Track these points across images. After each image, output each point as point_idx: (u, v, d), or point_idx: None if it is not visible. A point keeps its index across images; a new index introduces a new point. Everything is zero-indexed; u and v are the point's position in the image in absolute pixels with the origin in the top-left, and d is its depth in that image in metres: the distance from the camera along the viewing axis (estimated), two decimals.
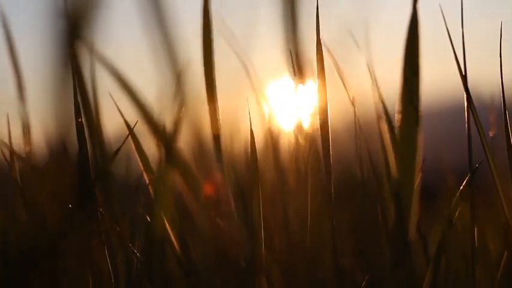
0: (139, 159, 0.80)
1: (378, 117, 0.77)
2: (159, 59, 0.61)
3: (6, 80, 0.88)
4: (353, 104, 0.79)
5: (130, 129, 0.80)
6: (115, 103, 0.72)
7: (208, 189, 0.73)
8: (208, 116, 0.74)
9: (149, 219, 0.82)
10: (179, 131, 0.67)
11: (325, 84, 0.77)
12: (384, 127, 0.77)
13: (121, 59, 0.71)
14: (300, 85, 0.74)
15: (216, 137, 0.74)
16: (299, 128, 0.80)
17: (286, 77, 0.75)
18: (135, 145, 0.80)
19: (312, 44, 0.76)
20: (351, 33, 0.76)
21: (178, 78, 0.62)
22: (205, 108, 0.72)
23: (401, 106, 0.71)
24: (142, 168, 0.80)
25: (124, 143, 0.80)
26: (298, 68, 0.72)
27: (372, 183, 0.79)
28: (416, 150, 0.72)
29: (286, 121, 0.82)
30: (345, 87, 0.79)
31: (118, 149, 0.82)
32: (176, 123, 0.67)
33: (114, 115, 0.80)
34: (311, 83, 0.76)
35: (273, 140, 0.80)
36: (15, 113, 0.87)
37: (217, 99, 0.74)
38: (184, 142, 0.69)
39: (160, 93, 0.64)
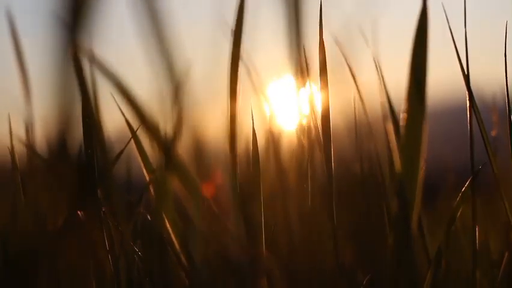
0: (140, 160, 0.80)
1: (384, 116, 0.77)
2: (157, 63, 0.61)
3: (11, 79, 0.88)
4: (359, 101, 0.79)
5: (132, 130, 0.79)
6: (117, 104, 0.72)
7: (208, 190, 0.73)
8: (209, 117, 0.74)
9: (150, 219, 0.82)
10: (178, 136, 0.67)
11: (327, 83, 0.76)
12: (390, 126, 0.77)
13: (119, 62, 0.70)
14: (302, 84, 0.74)
15: (232, 138, 0.74)
16: (301, 127, 0.79)
17: (288, 77, 0.75)
18: (137, 146, 0.80)
19: (315, 43, 0.76)
20: (357, 32, 0.76)
21: (177, 82, 0.62)
22: (203, 112, 0.72)
23: (407, 105, 0.71)
24: (143, 168, 0.80)
25: (127, 145, 0.80)
26: (300, 67, 0.72)
27: (375, 181, 0.79)
28: (420, 149, 0.72)
29: (287, 121, 0.82)
30: (355, 84, 0.78)
31: (121, 151, 0.81)
32: (176, 128, 0.66)
33: (115, 115, 0.80)
34: (313, 82, 0.76)
35: (274, 140, 0.80)
36: (19, 112, 0.87)
37: (238, 101, 0.74)
38: (183, 145, 0.69)
39: (158, 97, 0.64)
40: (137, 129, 0.79)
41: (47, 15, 0.55)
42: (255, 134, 0.82)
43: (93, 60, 0.67)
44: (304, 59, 0.72)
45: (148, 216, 0.84)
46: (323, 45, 0.76)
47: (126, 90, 0.66)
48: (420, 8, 0.69)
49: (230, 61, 0.77)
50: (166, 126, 0.66)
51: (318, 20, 0.76)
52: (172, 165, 0.69)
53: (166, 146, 0.67)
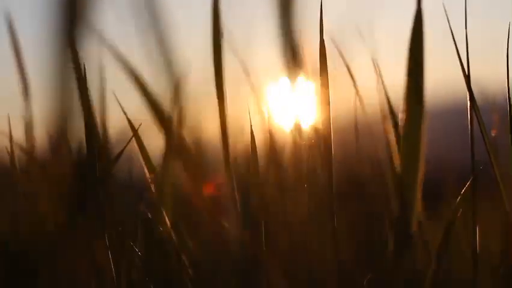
0: (141, 158, 0.80)
1: (383, 116, 0.77)
2: (156, 63, 0.61)
3: (9, 77, 0.88)
4: (357, 101, 0.79)
5: (133, 128, 0.79)
6: (117, 100, 0.72)
7: (210, 187, 0.73)
8: (209, 117, 0.74)
9: (150, 218, 0.82)
10: (183, 124, 0.67)
11: (328, 83, 0.76)
12: (389, 125, 0.77)
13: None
14: (297, 84, 0.74)
15: (224, 136, 0.74)
16: (299, 127, 0.79)
17: (285, 77, 0.75)
18: (138, 144, 0.80)
19: (310, 42, 0.76)
20: (353, 32, 0.76)
21: (176, 81, 0.62)
22: (204, 110, 0.72)
23: (406, 104, 0.71)
24: (144, 167, 0.80)
25: (128, 142, 0.80)
26: (294, 67, 0.72)
27: (375, 181, 0.79)
28: (420, 149, 0.72)
29: (286, 121, 0.82)
30: (354, 85, 0.78)
31: (122, 151, 0.81)
32: (178, 121, 0.67)
33: (115, 112, 0.80)
34: (309, 82, 0.76)
35: (272, 139, 0.80)
36: (18, 111, 0.87)
37: (225, 98, 0.74)
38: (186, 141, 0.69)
39: (158, 95, 0.64)
40: (139, 127, 0.79)
41: (45, 13, 0.55)
42: (253, 133, 0.82)
43: (101, 42, 0.67)
44: (298, 58, 0.72)
45: (149, 215, 0.84)
46: (323, 43, 0.76)
47: (133, 71, 0.66)
48: (415, 9, 0.69)
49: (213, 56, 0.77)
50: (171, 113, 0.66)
51: (318, 19, 0.76)
52: (177, 149, 0.69)
53: (172, 127, 0.67)
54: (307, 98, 0.76)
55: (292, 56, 0.68)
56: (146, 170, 0.81)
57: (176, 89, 0.63)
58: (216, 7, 0.75)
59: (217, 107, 0.75)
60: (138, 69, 0.68)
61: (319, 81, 0.77)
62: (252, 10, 0.69)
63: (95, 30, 0.55)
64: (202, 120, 0.66)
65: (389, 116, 0.80)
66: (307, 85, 0.75)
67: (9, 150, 0.87)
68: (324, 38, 0.76)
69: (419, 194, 0.74)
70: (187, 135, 0.67)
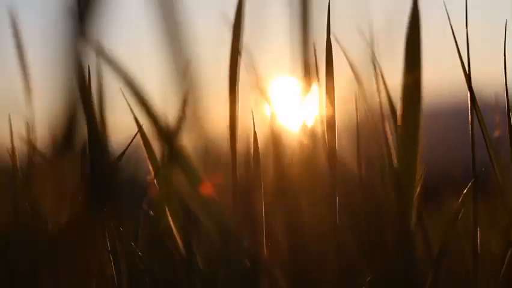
0: (147, 157, 0.80)
1: (383, 116, 0.77)
2: (165, 56, 0.61)
3: (12, 78, 0.88)
4: (363, 101, 0.79)
5: (139, 125, 0.79)
6: (126, 100, 0.72)
7: (210, 187, 0.73)
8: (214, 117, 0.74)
9: (152, 217, 0.82)
10: (182, 129, 0.67)
11: (333, 84, 0.77)
12: (389, 126, 0.77)
13: (126, 55, 0.70)
14: (307, 85, 0.74)
15: (233, 135, 0.74)
16: (303, 127, 0.79)
17: (291, 76, 0.75)
18: (144, 143, 0.80)
19: (322, 43, 0.76)
20: (364, 31, 0.76)
21: (184, 75, 0.62)
22: (210, 106, 0.72)
23: (403, 103, 0.71)
24: (150, 166, 0.80)
25: (132, 140, 0.80)
26: (305, 68, 0.72)
27: (376, 181, 0.79)
28: (417, 146, 0.73)
29: (290, 121, 0.82)
30: (359, 86, 0.78)
31: (125, 149, 0.81)
32: (180, 121, 0.67)
33: (122, 112, 0.80)
34: (318, 83, 0.76)
35: (275, 139, 0.80)
36: (19, 109, 0.87)
37: (238, 96, 0.75)
38: (187, 141, 0.69)
39: (165, 90, 0.64)
40: (143, 125, 0.79)
41: (53, 7, 0.55)
42: (256, 133, 0.82)
43: (99, 52, 0.67)
44: (310, 59, 0.72)
45: (151, 212, 0.84)
46: (330, 44, 0.76)
47: (132, 82, 0.66)
48: (411, 7, 0.70)
49: (230, 57, 0.77)
50: (171, 120, 0.66)
51: (326, 19, 0.76)
52: (176, 159, 0.69)
53: (170, 140, 0.67)
54: (313, 98, 0.77)
55: (304, 56, 0.68)
56: (151, 169, 0.80)
57: (184, 83, 0.63)
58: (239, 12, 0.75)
59: (228, 108, 0.75)
60: (136, 78, 0.68)
61: (325, 80, 0.77)
62: (261, 7, 0.69)
63: (96, 36, 0.56)
64: (207, 117, 0.67)
65: (388, 115, 0.80)
66: (314, 85, 0.75)
67: (10, 148, 0.87)
68: (332, 37, 0.76)
69: (417, 187, 0.74)
70: (192, 133, 0.67)
